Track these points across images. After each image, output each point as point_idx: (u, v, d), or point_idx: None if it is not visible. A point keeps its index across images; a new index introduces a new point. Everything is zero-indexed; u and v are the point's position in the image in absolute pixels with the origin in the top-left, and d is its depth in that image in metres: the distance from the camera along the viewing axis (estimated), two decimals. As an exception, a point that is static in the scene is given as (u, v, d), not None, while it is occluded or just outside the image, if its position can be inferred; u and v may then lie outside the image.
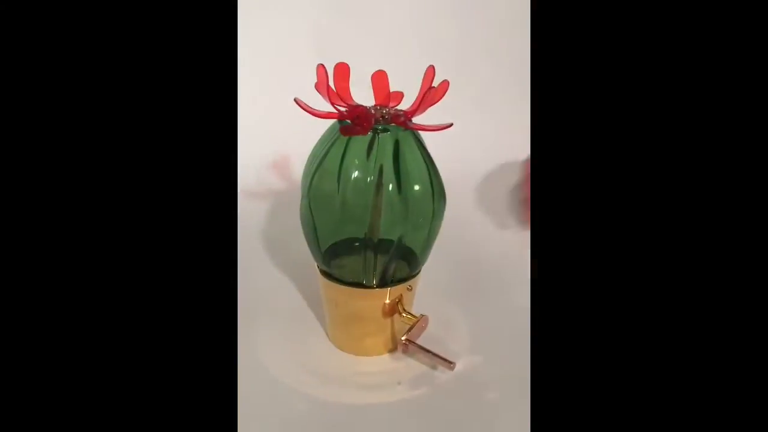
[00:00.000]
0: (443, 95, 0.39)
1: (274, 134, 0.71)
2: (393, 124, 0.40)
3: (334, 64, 0.40)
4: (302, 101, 0.39)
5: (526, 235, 0.65)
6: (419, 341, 0.44)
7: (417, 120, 0.41)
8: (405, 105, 0.41)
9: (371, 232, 0.42)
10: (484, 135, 0.75)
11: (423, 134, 0.42)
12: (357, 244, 0.44)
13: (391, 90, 0.41)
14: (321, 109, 0.40)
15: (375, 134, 0.40)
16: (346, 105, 0.41)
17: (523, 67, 0.67)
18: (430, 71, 0.39)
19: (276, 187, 0.70)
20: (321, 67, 0.39)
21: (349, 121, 0.40)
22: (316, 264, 0.46)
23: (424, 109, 0.39)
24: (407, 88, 0.42)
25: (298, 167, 0.46)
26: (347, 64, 0.40)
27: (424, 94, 0.38)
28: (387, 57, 0.45)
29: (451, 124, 0.37)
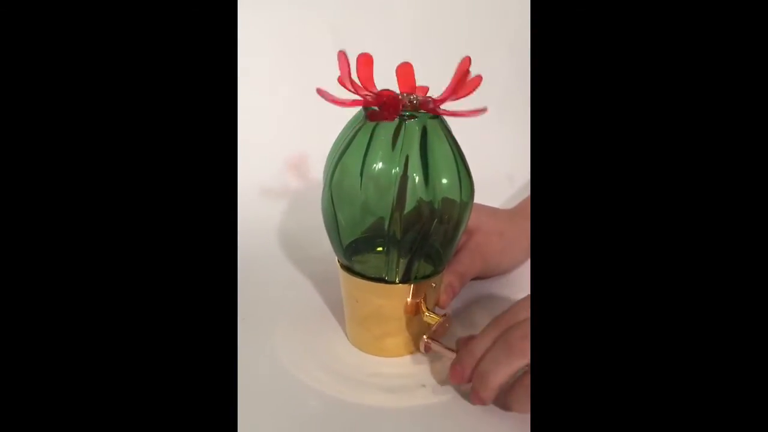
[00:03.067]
0: (474, 89, 0.37)
1: (294, 132, 0.70)
2: (421, 111, 0.39)
3: (356, 55, 0.38)
4: (325, 90, 0.37)
5: None
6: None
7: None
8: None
9: (395, 226, 0.40)
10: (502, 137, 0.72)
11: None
12: (380, 239, 0.42)
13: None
14: (345, 98, 0.39)
15: (401, 121, 0.38)
16: (371, 92, 0.39)
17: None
18: (467, 60, 0.37)
19: (295, 185, 0.69)
20: (342, 54, 0.37)
21: (375, 107, 0.39)
22: (336, 259, 0.44)
23: (456, 97, 0.37)
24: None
25: (317, 165, 0.45)
26: (370, 54, 0.39)
27: (458, 80, 0.36)
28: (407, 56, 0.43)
29: (485, 109, 0.35)
